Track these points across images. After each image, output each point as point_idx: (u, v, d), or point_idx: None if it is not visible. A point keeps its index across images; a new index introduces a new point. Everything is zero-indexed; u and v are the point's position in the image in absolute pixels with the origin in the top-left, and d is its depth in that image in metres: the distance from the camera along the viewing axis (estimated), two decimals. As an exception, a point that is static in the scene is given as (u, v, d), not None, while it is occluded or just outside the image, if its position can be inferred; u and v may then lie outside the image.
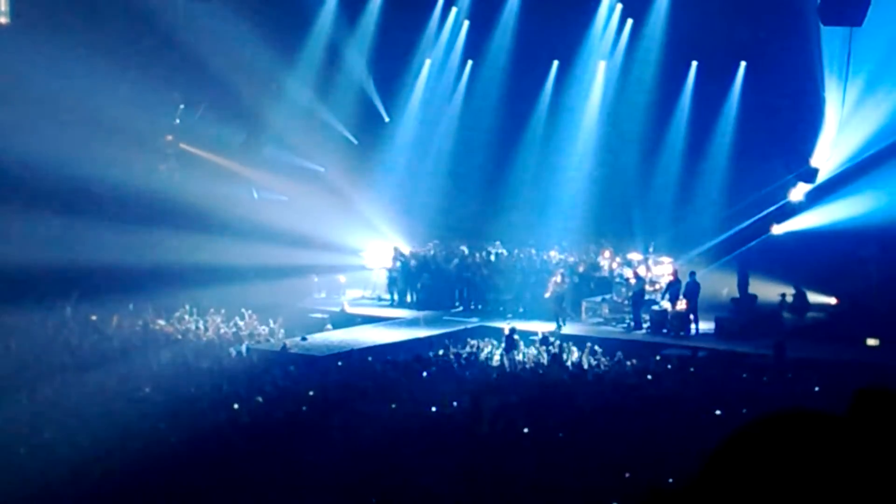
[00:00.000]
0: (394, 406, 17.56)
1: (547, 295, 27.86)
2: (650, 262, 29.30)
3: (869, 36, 27.04)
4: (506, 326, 25.01)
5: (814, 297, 26.84)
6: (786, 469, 1.72)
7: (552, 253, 30.79)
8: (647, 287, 28.35)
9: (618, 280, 29.16)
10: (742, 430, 1.84)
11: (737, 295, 27.23)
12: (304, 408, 17.53)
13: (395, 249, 32.38)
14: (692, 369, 21.60)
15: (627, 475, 13.29)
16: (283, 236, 30.79)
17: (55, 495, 12.93)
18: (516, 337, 24.01)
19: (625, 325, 27.43)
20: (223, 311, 27.24)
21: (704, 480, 1.81)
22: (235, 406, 17.50)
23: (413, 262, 31.95)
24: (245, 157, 33.94)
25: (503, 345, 23.74)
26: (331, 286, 33.30)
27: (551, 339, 24.16)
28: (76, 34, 28.16)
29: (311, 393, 18.53)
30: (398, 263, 31.86)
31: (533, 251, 30.92)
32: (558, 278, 28.00)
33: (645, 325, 27.27)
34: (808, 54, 28.78)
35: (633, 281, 28.10)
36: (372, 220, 34.11)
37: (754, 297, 26.72)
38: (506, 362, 22.44)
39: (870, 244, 26.93)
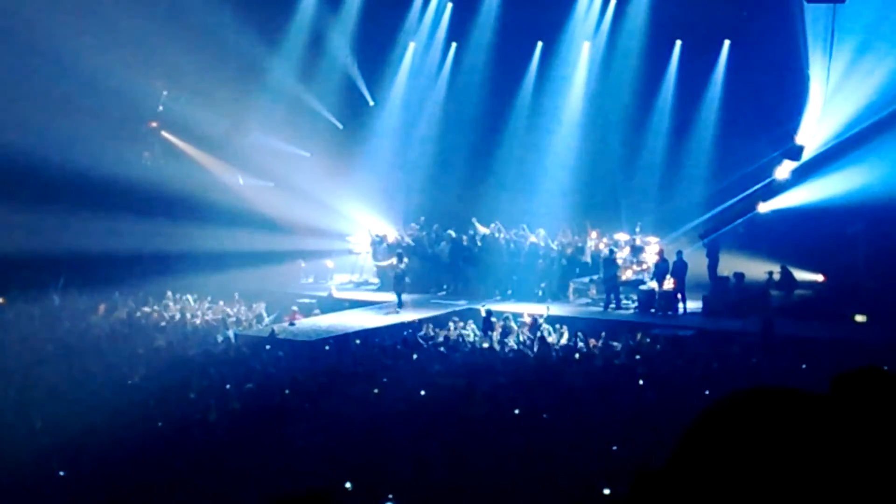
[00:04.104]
0: (381, 390, 17.55)
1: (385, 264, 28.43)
2: (637, 241, 29.29)
3: (852, 13, 27.02)
4: (482, 308, 25.13)
5: (801, 275, 26.85)
6: (756, 446, 1.70)
7: (538, 234, 30.69)
8: (635, 267, 28.40)
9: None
10: (715, 407, 1.84)
11: (734, 272, 27.12)
12: (292, 393, 17.49)
13: (381, 234, 32.39)
14: (680, 349, 21.61)
15: (615, 454, 13.31)
16: (270, 222, 30.77)
17: (45, 482, 12.90)
18: (493, 319, 24.11)
19: (613, 306, 27.43)
20: (210, 297, 27.21)
21: (679, 458, 1.80)
22: (224, 392, 17.49)
23: (401, 246, 31.91)
24: (230, 143, 33.81)
25: (482, 326, 23.87)
26: (318, 271, 33.30)
27: (539, 322, 24.16)
28: (58, 20, 27.94)
29: (299, 378, 18.50)
30: (385, 246, 31.84)
31: (521, 233, 30.84)
32: (395, 261, 28.11)
33: (633, 305, 27.38)
34: (791, 32, 28.73)
35: (619, 262, 28.20)
36: (359, 205, 34.03)
37: (741, 275, 26.71)
38: (495, 345, 22.45)
39: (856, 221, 26.92)
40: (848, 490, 1.64)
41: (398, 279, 27.85)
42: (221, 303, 27.42)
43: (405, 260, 28.41)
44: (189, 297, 27.70)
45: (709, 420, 1.80)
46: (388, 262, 28.44)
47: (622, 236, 29.87)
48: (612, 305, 27.29)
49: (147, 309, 26.26)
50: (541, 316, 24.64)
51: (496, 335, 23.39)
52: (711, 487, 1.71)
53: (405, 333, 23.78)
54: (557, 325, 24.09)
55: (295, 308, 27.66)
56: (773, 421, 1.74)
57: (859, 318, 23.91)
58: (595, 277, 28.86)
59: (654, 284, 27.22)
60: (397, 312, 26.83)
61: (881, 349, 19.01)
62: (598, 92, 33.43)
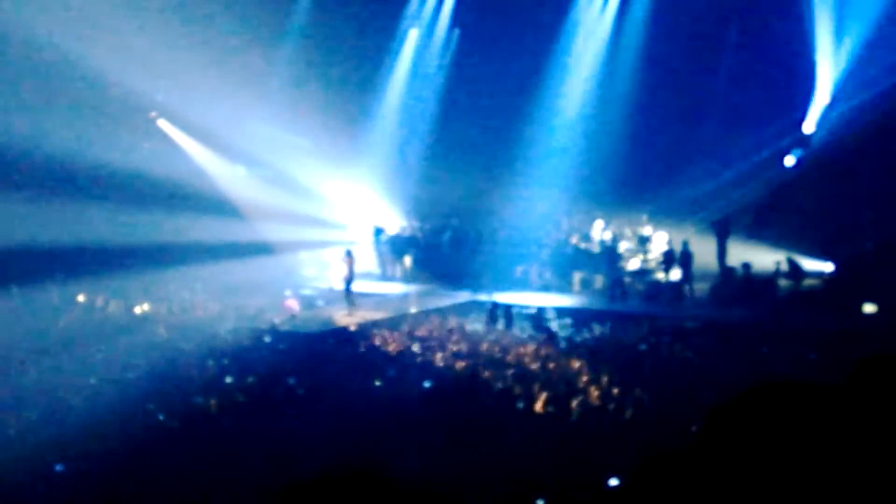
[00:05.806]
0: (384, 382, 17.40)
1: (342, 276, 27.37)
2: (643, 231, 29.15)
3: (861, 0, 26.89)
4: (486, 299, 24.99)
5: (809, 264, 26.68)
6: (775, 434, 1.83)
7: (544, 224, 30.58)
8: (641, 257, 28.26)
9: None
10: (735, 399, 1.96)
11: (742, 262, 26.90)
12: (295, 385, 17.33)
13: (384, 225, 32.23)
14: (687, 339, 21.40)
15: (621, 445, 13.11)
16: (271, 213, 30.58)
17: (42, 476, 12.72)
18: (498, 310, 23.93)
19: (618, 297, 27.24)
20: (210, 289, 27.04)
21: (700, 444, 1.90)
22: (225, 385, 17.33)
23: (402, 237, 31.78)
24: (229, 133, 33.59)
25: (487, 318, 23.67)
26: (319, 262, 33.12)
27: (545, 313, 24.01)
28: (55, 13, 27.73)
29: (301, 370, 18.35)
30: (386, 238, 31.70)
31: (526, 223, 30.72)
32: (346, 260, 27.29)
33: (639, 296, 27.19)
34: (799, 17, 28.54)
35: (624, 252, 28.05)
36: (362, 195, 33.89)
37: (749, 265, 26.52)
38: (498, 336, 22.26)
39: (865, 210, 26.79)
40: (861, 473, 1.76)
41: (346, 281, 26.81)
42: (221, 295, 27.22)
43: (354, 257, 27.49)
44: (189, 288, 27.53)
45: (729, 410, 1.95)
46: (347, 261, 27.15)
47: (628, 226, 29.71)
48: (618, 296, 27.09)
49: (147, 302, 26.07)
50: (546, 307, 24.50)
51: (500, 326, 23.20)
52: (729, 470, 1.83)
53: (409, 325, 23.58)
54: (562, 316, 23.93)
55: (288, 293, 27.35)
56: (792, 411, 1.85)
57: (868, 307, 23.67)
58: (600, 268, 28.69)
59: (660, 274, 27.05)
60: (350, 315, 26.16)
61: (890, 339, 18.83)
62: (604, 79, 33.26)
